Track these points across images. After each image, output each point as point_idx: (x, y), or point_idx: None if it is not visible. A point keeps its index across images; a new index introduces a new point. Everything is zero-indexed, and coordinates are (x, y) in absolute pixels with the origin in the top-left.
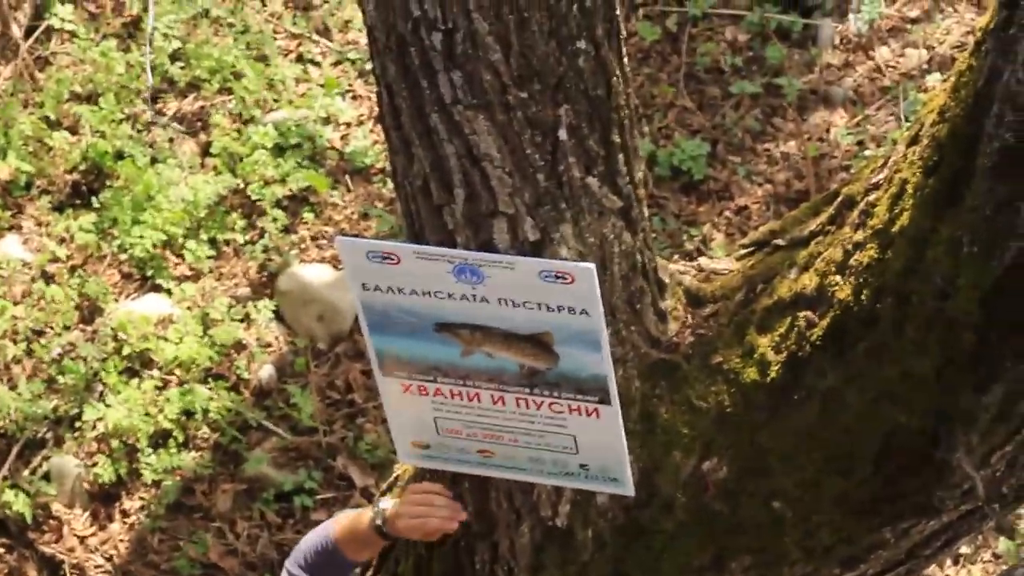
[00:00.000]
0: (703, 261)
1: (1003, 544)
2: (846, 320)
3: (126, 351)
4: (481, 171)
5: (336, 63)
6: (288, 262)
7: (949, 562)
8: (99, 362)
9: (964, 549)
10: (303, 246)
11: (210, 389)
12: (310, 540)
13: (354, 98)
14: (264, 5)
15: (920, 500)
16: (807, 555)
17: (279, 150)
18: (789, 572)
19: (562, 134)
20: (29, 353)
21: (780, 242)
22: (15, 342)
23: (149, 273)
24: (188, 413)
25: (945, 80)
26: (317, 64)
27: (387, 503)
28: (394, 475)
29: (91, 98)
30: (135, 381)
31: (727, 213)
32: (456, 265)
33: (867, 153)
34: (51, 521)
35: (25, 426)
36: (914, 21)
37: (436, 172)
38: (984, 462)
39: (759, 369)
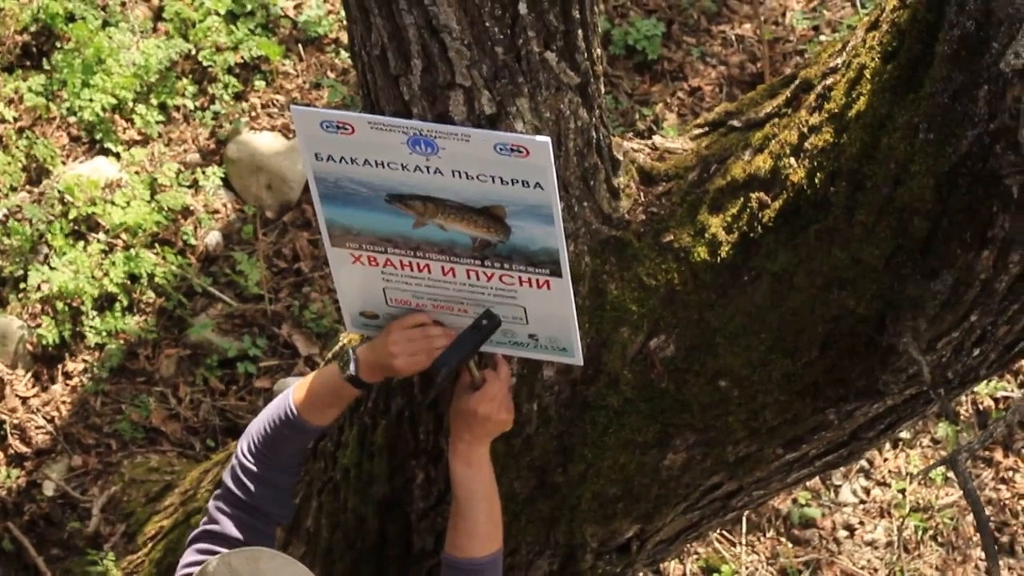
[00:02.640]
0: (657, 140)
1: (942, 429)
2: (799, 203)
3: (73, 214)
4: (440, 42)
5: None
6: (238, 129)
7: (888, 446)
8: (45, 224)
9: (904, 434)
10: (253, 114)
11: (156, 254)
12: (262, 418)
13: None
14: None
15: (865, 383)
16: (751, 434)
17: (232, 16)
18: (733, 451)
19: (522, 7)
20: None
21: (735, 123)
22: None
23: (98, 137)
24: (133, 277)
25: None
26: None
27: (352, 351)
28: (339, 344)
29: None
30: (81, 244)
31: (680, 94)
32: (411, 136)
33: (822, 38)
34: None
35: None
36: None
37: (394, 42)
38: (930, 348)
39: (710, 249)
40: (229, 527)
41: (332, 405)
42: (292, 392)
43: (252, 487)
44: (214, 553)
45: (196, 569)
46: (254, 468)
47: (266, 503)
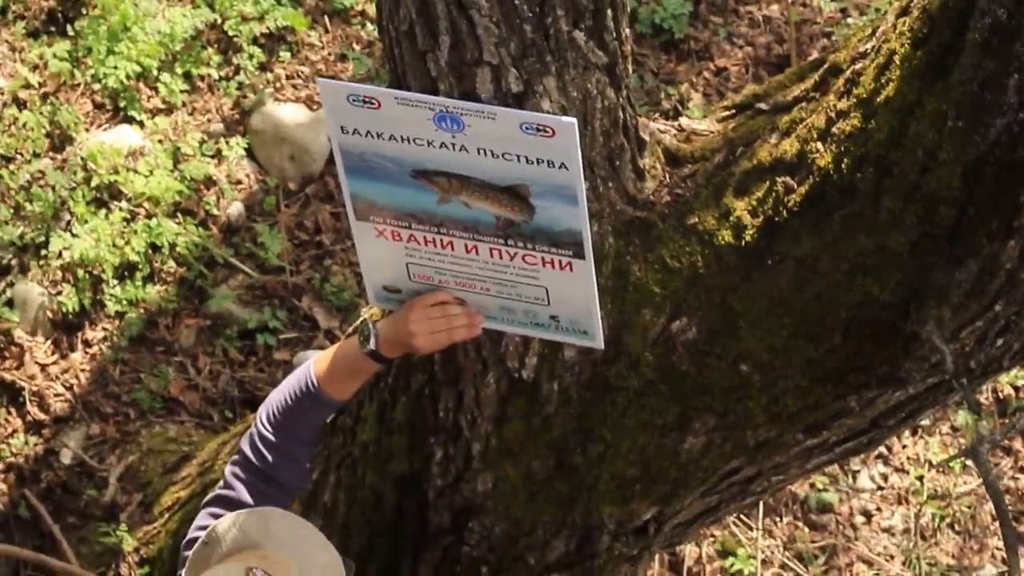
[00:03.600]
0: (684, 121)
1: (960, 417)
2: (825, 188)
3: (95, 181)
4: (468, 19)
5: None
6: (262, 100)
7: (907, 433)
8: (68, 191)
9: (923, 422)
10: (278, 85)
11: (178, 224)
12: (283, 389)
13: None
14: None
15: (887, 371)
16: (772, 419)
17: None
18: (753, 435)
19: None
20: None
21: (763, 106)
22: None
23: (122, 104)
24: (155, 247)
25: None
26: None
27: (373, 326)
28: (360, 318)
29: None
30: (103, 212)
31: (706, 74)
32: (437, 112)
33: (850, 21)
34: (12, 348)
35: None
36: None
37: (422, 17)
38: (954, 336)
39: (734, 232)
40: (243, 494)
41: (352, 379)
42: (313, 364)
43: (269, 456)
44: None
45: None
46: (272, 437)
47: (282, 473)
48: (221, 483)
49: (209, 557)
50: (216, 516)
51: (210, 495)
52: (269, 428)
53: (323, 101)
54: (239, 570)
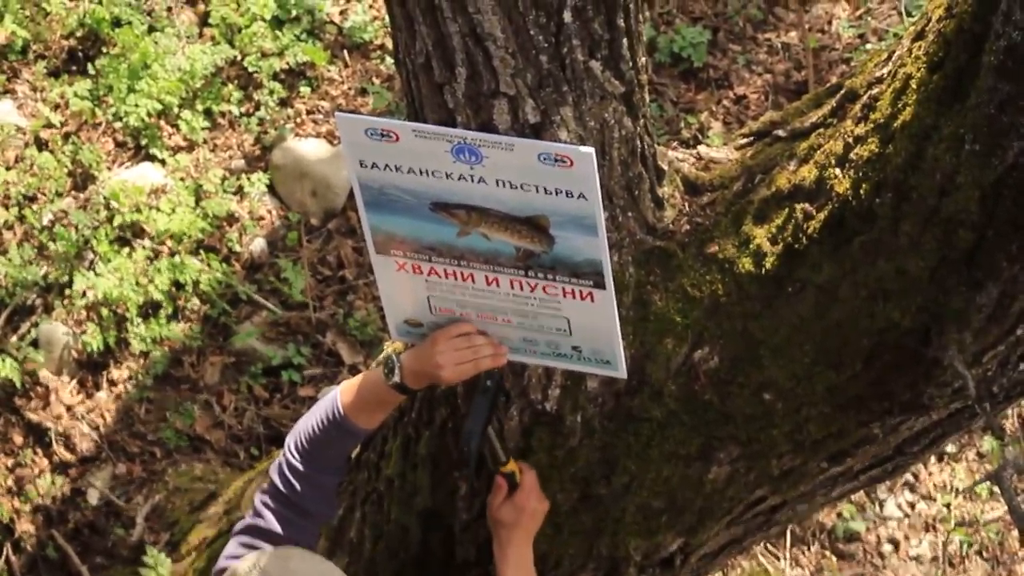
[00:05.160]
0: (702, 149)
1: (987, 443)
2: (844, 214)
3: (118, 220)
4: (484, 51)
5: None
6: (283, 136)
7: (934, 460)
8: (91, 230)
9: (949, 448)
10: (299, 120)
11: (201, 261)
12: (310, 418)
13: None
14: None
15: (910, 397)
16: (795, 448)
17: (278, 22)
18: (777, 464)
19: (567, 16)
20: (21, 219)
21: (780, 133)
22: (7, 207)
23: (143, 142)
24: (178, 284)
25: None
26: None
27: (397, 359)
28: (383, 352)
29: None
30: (126, 250)
31: (725, 102)
32: (455, 144)
33: (868, 46)
34: (38, 388)
35: (15, 292)
36: None
37: (438, 50)
38: (976, 361)
39: (754, 260)
40: (272, 522)
41: (378, 408)
42: (340, 394)
43: (297, 485)
44: (255, 547)
45: (235, 562)
46: (300, 466)
47: (310, 501)
48: (250, 512)
49: None
50: (246, 545)
51: (240, 524)
52: (297, 457)
53: (341, 135)
54: None
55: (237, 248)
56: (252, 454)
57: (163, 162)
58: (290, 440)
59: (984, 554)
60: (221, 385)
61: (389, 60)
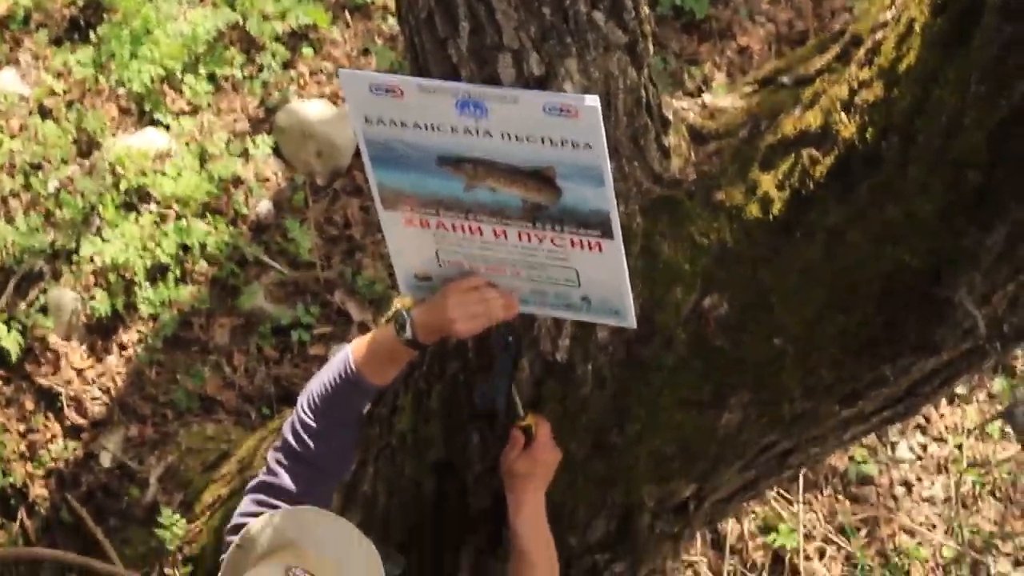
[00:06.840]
0: (707, 98)
1: (998, 384)
2: (850, 158)
3: (123, 185)
4: (487, 4)
5: None
6: (287, 98)
7: (944, 402)
8: (96, 196)
9: (959, 389)
10: (302, 82)
11: (207, 223)
12: (322, 376)
13: None
14: None
15: (921, 338)
16: (807, 392)
17: None
18: (789, 408)
19: None
20: (27, 187)
21: (785, 80)
22: (12, 176)
23: (147, 108)
24: (185, 247)
25: None
26: None
27: (408, 314)
28: (392, 310)
29: None
30: (132, 215)
31: (728, 53)
32: (460, 99)
33: None
34: (48, 353)
35: (22, 259)
36: None
37: (441, 5)
38: (985, 301)
39: (762, 206)
40: (286, 479)
41: (390, 364)
42: (352, 350)
43: (310, 442)
44: (270, 504)
45: (250, 519)
46: (313, 424)
47: (323, 459)
48: (264, 469)
49: (245, 559)
50: (260, 503)
51: (253, 481)
52: (310, 414)
53: (345, 92)
54: (279, 570)
55: (243, 210)
56: (264, 413)
57: (167, 127)
58: (303, 399)
59: (997, 494)
60: (231, 346)
61: (391, 20)
